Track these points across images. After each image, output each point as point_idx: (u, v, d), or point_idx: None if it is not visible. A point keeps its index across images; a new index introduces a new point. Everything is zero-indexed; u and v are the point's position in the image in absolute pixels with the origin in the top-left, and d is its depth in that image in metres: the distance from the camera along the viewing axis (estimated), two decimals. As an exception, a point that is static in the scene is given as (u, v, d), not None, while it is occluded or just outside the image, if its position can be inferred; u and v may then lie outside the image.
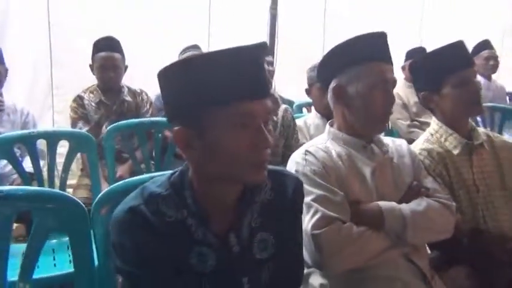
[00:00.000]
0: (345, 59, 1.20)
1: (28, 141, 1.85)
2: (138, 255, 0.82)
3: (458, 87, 1.39)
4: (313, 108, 2.36)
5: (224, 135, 0.80)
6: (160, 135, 2.16)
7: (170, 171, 0.92)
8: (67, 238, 1.11)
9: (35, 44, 2.96)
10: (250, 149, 0.80)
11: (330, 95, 1.25)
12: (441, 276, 1.26)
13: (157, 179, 0.91)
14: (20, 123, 2.33)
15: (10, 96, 2.45)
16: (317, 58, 1.29)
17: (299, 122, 2.22)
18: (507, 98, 3.70)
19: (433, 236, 1.21)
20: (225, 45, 0.82)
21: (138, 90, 2.52)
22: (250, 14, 3.39)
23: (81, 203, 1.09)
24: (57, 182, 2.00)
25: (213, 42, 3.32)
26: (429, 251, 1.38)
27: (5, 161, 2.03)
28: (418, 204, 1.18)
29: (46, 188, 1.73)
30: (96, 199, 1.06)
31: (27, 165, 1.94)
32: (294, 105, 2.93)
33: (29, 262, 1.08)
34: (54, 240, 1.66)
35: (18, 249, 1.30)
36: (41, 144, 1.99)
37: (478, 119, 2.80)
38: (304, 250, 1.05)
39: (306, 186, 1.09)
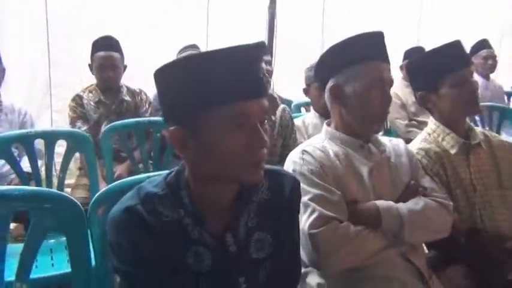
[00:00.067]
0: (342, 59, 1.20)
1: (26, 141, 1.85)
2: (135, 255, 0.82)
3: (455, 87, 1.39)
4: (311, 107, 2.36)
5: (220, 135, 0.80)
6: (158, 134, 2.16)
7: (166, 171, 0.92)
8: (65, 238, 1.10)
9: (32, 43, 2.96)
10: (246, 148, 0.80)
11: (327, 94, 1.25)
12: (438, 276, 1.26)
13: (153, 178, 0.91)
14: (17, 123, 2.33)
15: (8, 96, 2.44)
16: (315, 58, 1.29)
17: (297, 121, 2.22)
18: (505, 97, 3.70)
19: (431, 235, 1.22)
20: (224, 44, 0.81)
21: (137, 90, 2.52)
22: (249, 14, 3.39)
23: (78, 203, 1.09)
24: (55, 181, 1.99)
25: (211, 42, 3.32)
26: (426, 251, 1.39)
27: (2, 161, 2.02)
28: (415, 204, 1.18)
29: (43, 188, 1.73)
30: (93, 199, 1.06)
31: (25, 165, 1.94)
32: (293, 105, 2.93)
33: (26, 262, 1.07)
34: (52, 240, 1.66)
35: (16, 249, 1.30)
36: (39, 144, 1.99)
37: (477, 118, 2.80)
38: (301, 249, 1.04)
39: (303, 186, 1.09)
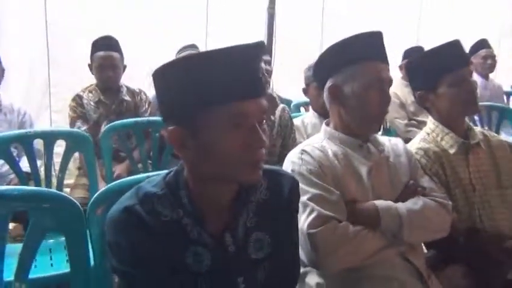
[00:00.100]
0: (340, 59, 1.20)
1: (25, 141, 1.85)
2: (134, 255, 0.82)
3: (454, 86, 1.39)
4: (310, 107, 2.36)
5: (218, 134, 0.80)
6: (157, 134, 2.16)
7: (165, 171, 0.92)
8: (64, 238, 1.10)
9: (32, 43, 2.96)
10: (245, 148, 0.80)
11: (325, 94, 1.25)
12: (437, 276, 1.26)
13: (152, 178, 0.91)
14: (17, 123, 2.33)
15: (7, 96, 2.45)
16: (315, 57, 1.29)
17: (296, 121, 2.22)
18: (504, 97, 3.70)
19: (430, 235, 1.22)
20: (223, 44, 0.82)
21: (137, 90, 2.52)
22: (248, 14, 3.40)
23: (77, 203, 1.09)
24: (54, 181, 1.99)
25: (210, 42, 3.32)
26: (425, 250, 1.39)
27: (1, 161, 2.02)
28: (414, 203, 1.18)
29: (41, 188, 1.73)
30: (92, 199, 1.06)
31: (25, 165, 1.94)
32: (292, 105, 2.93)
33: (25, 262, 1.07)
34: (51, 240, 1.66)
35: (15, 249, 1.30)
36: (38, 143, 1.99)
37: (476, 118, 2.81)
38: (300, 249, 1.05)
39: (302, 186, 1.09)
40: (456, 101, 1.41)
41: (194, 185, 0.87)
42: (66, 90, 2.82)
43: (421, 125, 2.90)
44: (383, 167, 1.24)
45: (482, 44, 3.40)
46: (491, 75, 3.53)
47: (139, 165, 2.19)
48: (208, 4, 3.38)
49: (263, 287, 0.90)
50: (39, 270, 1.48)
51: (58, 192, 1.16)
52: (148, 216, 0.83)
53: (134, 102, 2.49)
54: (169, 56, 2.32)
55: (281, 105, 2.14)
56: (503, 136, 2.85)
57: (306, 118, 2.28)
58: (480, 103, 2.64)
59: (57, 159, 1.99)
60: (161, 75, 0.85)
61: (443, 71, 1.40)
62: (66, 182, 2.10)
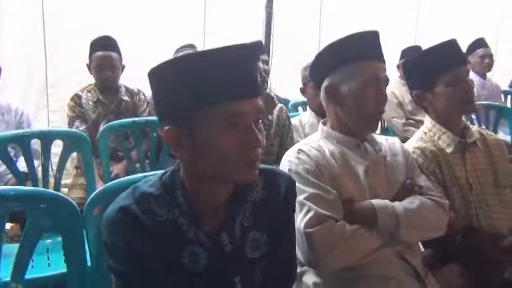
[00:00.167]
0: (337, 58, 1.20)
1: (22, 141, 1.84)
2: (130, 255, 0.82)
3: (451, 86, 1.40)
4: (308, 107, 2.36)
5: (214, 134, 0.80)
6: (155, 134, 2.16)
7: (162, 171, 0.92)
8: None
9: (29, 43, 2.95)
10: (241, 148, 0.80)
11: (322, 93, 1.26)
12: (435, 275, 1.26)
13: (148, 178, 0.91)
14: (14, 123, 2.33)
15: (4, 96, 2.45)
16: (312, 57, 1.29)
17: (294, 120, 2.22)
18: (502, 96, 3.71)
19: (426, 234, 1.22)
20: (221, 44, 0.82)
21: (136, 90, 2.52)
22: (246, 13, 3.39)
23: (74, 203, 1.09)
24: (51, 181, 1.99)
25: (208, 42, 3.32)
26: (423, 249, 1.39)
27: (-1, 161, 2.02)
28: (411, 202, 1.19)
29: (38, 188, 1.73)
30: (89, 199, 1.06)
31: (22, 165, 1.94)
32: (290, 104, 2.93)
33: (21, 262, 1.07)
34: (49, 240, 1.66)
35: (12, 250, 1.29)
36: (36, 144, 1.99)
37: (473, 117, 2.81)
38: (297, 248, 1.05)
39: (299, 185, 1.09)
40: (453, 100, 1.41)
41: (190, 184, 0.87)
42: (64, 90, 2.82)
43: (418, 124, 2.90)
44: (380, 166, 1.24)
45: (480, 43, 3.41)
46: (488, 75, 3.54)
47: (137, 165, 2.19)
48: (206, 3, 3.38)
49: (260, 287, 0.90)
50: (37, 270, 1.48)
51: (54, 192, 1.16)
52: (144, 216, 0.82)
53: (133, 102, 2.49)
54: (168, 55, 2.32)
55: (279, 105, 2.14)
56: (501, 135, 2.87)
57: (304, 117, 2.29)
58: (478, 102, 2.65)
59: (55, 159, 1.99)
60: (157, 75, 0.85)
61: (440, 70, 1.40)
62: (64, 181, 2.10)
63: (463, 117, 1.53)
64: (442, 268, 1.32)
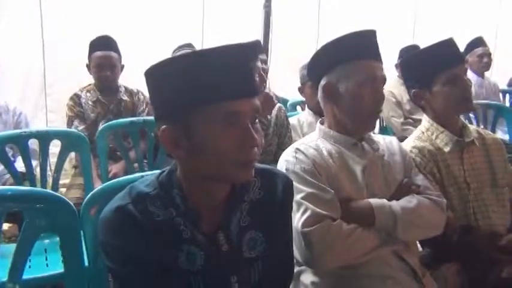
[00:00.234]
0: (334, 57, 1.20)
1: (19, 141, 1.84)
2: (126, 255, 0.82)
3: (448, 85, 1.40)
4: (306, 106, 2.36)
5: (211, 134, 0.80)
6: (153, 134, 2.15)
7: (159, 171, 0.92)
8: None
9: (27, 43, 2.94)
10: (237, 148, 0.80)
11: (320, 93, 1.26)
12: (432, 274, 1.26)
13: (145, 178, 0.91)
14: (12, 123, 2.33)
15: (3, 96, 2.44)
16: (311, 56, 1.29)
17: (292, 120, 2.22)
18: (500, 95, 3.71)
19: (424, 233, 1.22)
20: (219, 43, 0.82)
21: (135, 90, 2.52)
22: (244, 12, 3.39)
23: (71, 203, 1.08)
24: (50, 181, 1.99)
25: (207, 41, 3.32)
26: (420, 249, 1.39)
27: (-4, 161, 2.01)
28: (408, 201, 1.19)
29: (35, 188, 1.72)
30: (86, 199, 1.06)
31: (20, 165, 1.94)
32: (288, 104, 2.93)
33: (18, 262, 1.07)
34: (47, 241, 1.65)
35: (10, 250, 1.29)
36: (34, 144, 1.98)
37: (472, 115, 2.81)
38: (294, 248, 1.05)
39: (296, 184, 1.09)
40: (451, 99, 1.41)
41: (187, 184, 0.86)
42: (62, 90, 2.82)
43: (417, 123, 2.89)
44: (377, 165, 1.24)
45: (478, 42, 3.40)
46: (487, 74, 3.54)
47: (135, 165, 2.18)
48: (204, 3, 3.38)
49: (257, 286, 0.90)
50: (34, 270, 1.47)
51: (51, 192, 1.16)
52: (141, 216, 0.82)
53: (132, 102, 2.49)
54: (166, 55, 2.31)
55: (277, 105, 2.13)
56: (499, 134, 2.87)
57: (302, 117, 2.29)
58: (476, 101, 2.66)
59: (53, 159, 1.99)
60: (154, 74, 0.85)
61: (437, 69, 1.40)
62: (62, 181, 2.09)
63: (461, 117, 1.53)
64: (440, 267, 1.32)
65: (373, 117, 1.23)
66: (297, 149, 1.20)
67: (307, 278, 1.18)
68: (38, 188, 1.74)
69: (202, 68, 0.79)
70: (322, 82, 1.23)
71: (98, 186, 1.47)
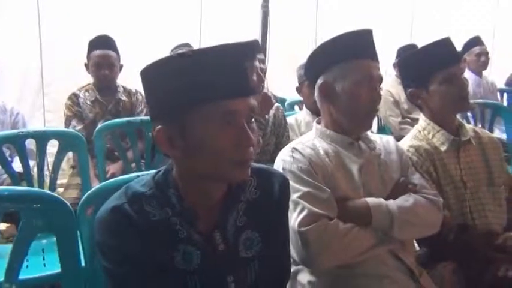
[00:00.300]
0: (330, 57, 1.20)
1: (17, 141, 1.84)
2: (122, 255, 0.82)
3: (445, 84, 1.40)
4: (304, 105, 2.36)
5: (206, 133, 0.80)
6: (150, 134, 2.15)
7: (154, 170, 0.92)
8: (56, 238, 1.10)
9: (25, 42, 2.94)
10: (233, 147, 0.80)
11: (316, 92, 1.26)
12: (429, 273, 1.26)
13: (141, 178, 0.91)
14: (9, 123, 2.33)
15: (0, 96, 2.44)
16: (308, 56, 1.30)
17: (290, 119, 2.22)
18: (498, 94, 3.71)
19: (420, 232, 1.22)
20: (217, 43, 0.82)
21: (134, 90, 2.51)
22: (242, 12, 3.39)
23: (67, 203, 1.08)
24: (47, 181, 1.99)
25: (204, 41, 3.31)
26: (417, 248, 1.39)
27: (-6, 161, 2.01)
28: (405, 200, 1.19)
29: (31, 188, 1.72)
30: (82, 199, 1.06)
31: (17, 165, 1.93)
32: (286, 103, 2.93)
33: (15, 263, 1.07)
34: (44, 241, 1.65)
35: (7, 250, 1.29)
36: (32, 144, 1.98)
37: (469, 114, 2.82)
38: (291, 247, 1.05)
39: (293, 184, 1.09)
40: (447, 98, 1.41)
41: (183, 184, 0.86)
42: (59, 89, 2.81)
43: (415, 122, 2.87)
44: (374, 164, 1.24)
45: (476, 41, 3.41)
46: (484, 73, 3.54)
47: (133, 165, 2.18)
48: (202, 3, 3.38)
49: (253, 286, 0.90)
50: (32, 270, 1.47)
51: (48, 192, 1.16)
52: (137, 216, 0.82)
53: (131, 102, 2.48)
54: (164, 55, 2.31)
55: (275, 104, 2.14)
56: (497, 133, 2.88)
57: (300, 116, 2.29)
58: (474, 100, 2.66)
59: (51, 159, 1.98)
60: (149, 74, 0.84)
61: (434, 68, 1.40)
62: (60, 181, 2.09)
63: (459, 116, 1.53)
64: (436, 266, 1.32)
65: (369, 117, 1.23)
66: (294, 148, 1.20)
67: (304, 277, 1.18)
68: (35, 188, 1.74)
69: (198, 67, 0.79)
70: (319, 81, 1.23)
71: (96, 186, 1.47)
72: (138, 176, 0.98)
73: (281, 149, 1.28)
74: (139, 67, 0.87)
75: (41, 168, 1.90)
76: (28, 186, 1.83)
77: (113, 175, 2.15)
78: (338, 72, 1.19)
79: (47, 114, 3.05)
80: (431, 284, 1.23)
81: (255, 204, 0.92)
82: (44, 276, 1.45)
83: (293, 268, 1.15)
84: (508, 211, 1.45)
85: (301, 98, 2.46)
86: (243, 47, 0.84)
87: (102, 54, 2.33)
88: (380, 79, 1.21)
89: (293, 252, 1.09)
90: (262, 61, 2.66)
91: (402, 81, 1.56)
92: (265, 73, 2.49)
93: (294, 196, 1.09)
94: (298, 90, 2.27)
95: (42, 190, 1.32)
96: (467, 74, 3.23)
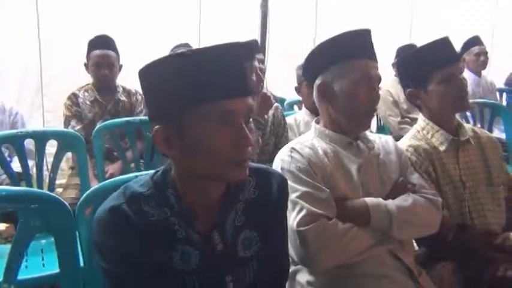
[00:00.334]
0: (328, 57, 1.20)
1: (16, 141, 1.83)
2: (121, 255, 0.81)
3: (443, 83, 1.40)
4: (303, 105, 2.36)
5: (204, 133, 0.80)
6: (149, 134, 2.15)
7: (153, 170, 0.92)
8: (55, 238, 1.10)
9: (24, 43, 2.94)
10: (231, 147, 0.80)
11: (315, 92, 1.26)
12: (428, 273, 1.26)
13: (139, 178, 0.91)
14: (8, 123, 2.33)
15: (-1, 96, 2.44)
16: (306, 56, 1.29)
17: (289, 119, 2.22)
18: (497, 94, 3.72)
19: (419, 232, 1.22)
20: (216, 43, 0.81)
21: (133, 91, 2.51)
22: (241, 12, 3.39)
23: (66, 203, 1.08)
24: (47, 181, 1.98)
25: (204, 41, 3.31)
26: (416, 247, 1.39)
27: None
28: (404, 200, 1.19)
29: (29, 188, 1.72)
30: (81, 199, 1.06)
31: (16, 165, 1.93)
32: (285, 103, 2.93)
33: (13, 263, 1.07)
34: (44, 241, 1.65)
35: (6, 250, 1.29)
36: (31, 144, 1.98)
37: (468, 114, 2.82)
38: (290, 247, 1.05)
39: (292, 183, 1.09)
40: (446, 98, 1.41)
41: (181, 184, 0.86)
42: (59, 90, 2.81)
43: (414, 122, 2.85)
44: (373, 164, 1.24)
45: (475, 41, 3.41)
46: (483, 72, 3.54)
47: (132, 165, 2.18)
48: (201, 3, 3.38)
49: (252, 285, 0.90)
50: (31, 270, 1.47)
51: (46, 192, 1.16)
52: (135, 216, 0.82)
53: (130, 102, 2.48)
54: (163, 55, 2.31)
55: (274, 104, 2.13)
56: (496, 133, 2.87)
57: (299, 116, 2.29)
58: (473, 100, 2.65)
59: (50, 159, 1.98)
60: (147, 74, 0.84)
61: (432, 68, 1.40)
62: (59, 181, 2.09)
63: (458, 115, 1.53)
64: (436, 266, 1.32)
65: (368, 116, 1.23)
66: (293, 148, 1.20)
67: (303, 277, 1.18)
68: (32, 188, 1.73)
69: (196, 67, 0.79)
70: (317, 81, 1.23)
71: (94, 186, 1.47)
72: (136, 176, 0.98)
73: (280, 149, 1.28)
74: (138, 67, 0.87)
75: (40, 168, 1.90)
76: (27, 186, 1.83)
77: (112, 175, 2.15)
78: (336, 72, 1.19)
79: (46, 114, 3.05)
80: (430, 283, 1.23)
81: (253, 204, 0.92)
82: (43, 276, 1.45)
83: (292, 268, 1.15)
84: (507, 211, 1.45)
85: (300, 98, 2.46)
86: (241, 47, 0.84)
87: (102, 54, 2.33)
88: (378, 79, 1.21)
89: (292, 252, 1.09)
90: (262, 61, 2.66)
91: (401, 81, 1.56)
92: (264, 73, 2.49)
93: (292, 196, 1.09)
94: (297, 90, 2.27)
95: (39, 190, 1.32)
96: (467, 74, 3.23)
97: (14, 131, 2.05)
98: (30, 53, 2.96)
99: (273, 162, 1.24)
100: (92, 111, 2.38)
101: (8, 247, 1.15)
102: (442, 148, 1.43)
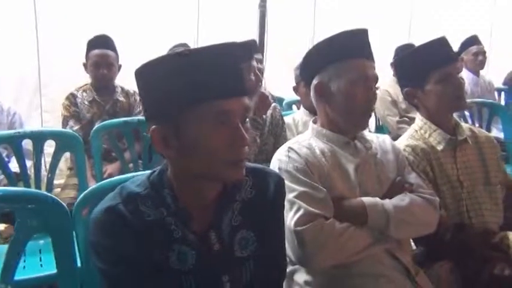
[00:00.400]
0: (326, 57, 1.20)
1: (13, 142, 1.83)
2: (117, 255, 0.82)
3: (441, 83, 1.40)
4: (301, 105, 2.36)
5: (201, 133, 0.80)
6: (145, 134, 2.15)
7: (149, 171, 0.92)
8: (52, 238, 1.10)
9: (22, 43, 2.93)
10: (227, 147, 0.80)
11: (312, 92, 1.26)
12: (425, 272, 1.26)
13: (136, 178, 0.91)
14: (6, 123, 2.33)
15: (-3, 97, 2.44)
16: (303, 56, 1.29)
17: (287, 119, 2.22)
18: (495, 93, 3.72)
19: (416, 231, 1.22)
20: (214, 43, 0.81)
21: (132, 91, 2.51)
22: (240, 12, 3.39)
23: (63, 203, 1.08)
24: (45, 182, 1.98)
25: (201, 41, 3.31)
26: (414, 247, 1.39)
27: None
28: (401, 200, 1.19)
29: (26, 188, 1.72)
30: (78, 199, 1.06)
31: (14, 165, 1.93)
32: (284, 103, 2.93)
33: (11, 263, 1.07)
34: (41, 241, 1.65)
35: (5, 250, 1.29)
36: (29, 144, 1.98)
37: (467, 113, 2.82)
38: (287, 247, 1.05)
39: (289, 183, 1.09)
40: (443, 97, 1.41)
41: (178, 184, 0.86)
42: (57, 90, 2.80)
43: (412, 121, 2.85)
44: (370, 164, 1.24)
45: (473, 40, 3.41)
46: (482, 72, 3.55)
47: (130, 165, 2.18)
48: (200, 3, 3.37)
49: (249, 285, 0.90)
50: (29, 271, 1.47)
51: (43, 192, 1.16)
52: (132, 216, 0.82)
53: (128, 103, 2.48)
54: (161, 55, 2.31)
55: (273, 104, 2.13)
56: (494, 132, 2.87)
57: (297, 116, 2.29)
58: (471, 99, 2.66)
59: (48, 159, 1.98)
60: (144, 74, 0.84)
61: (430, 67, 1.40)
62: (57, 182, 2.09)
63: (456, 115, 1.53)
64: (433, 265, 1.32)
65: (365, 116, 1.23)
66: (290, 148, 1.20)
67: (301, 277, 1.18)
68: (29, 189, 1.73)
69: (193, 67, 0.79)
70: (314, 81, 1.23)
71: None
72: (133, 177, 0.97)
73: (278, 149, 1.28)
74: (136, 67, 0.86)
75: (38, 168, 1.90)
76: (25, 186, 1.83)
77: (110, 175, 2.15)
78: (333, 71, 1.19)
79: (44, 115, 3.05)
80: (428, 283, 1.23)
81: (250, 204, 0.92)
82: (40, 276, 1.45)
83: (289, 268, 1.15)
84: (504, 210, 1.45)
85: (298, 98, 2.47)
86: (238, 47, 0.85)
87: (101, 53, 2.33)
88: (375, 78, 1.21)
89: (289, 252, 1.09)
90: (260, 61, 2.66)
91: (399, 81, 1.56)
92: (262, 73, 2.49)
93: (290, 196, 1.09)
94: (296, 90, 2.28)
95: (36, 190, 1.31)
96: (465, 73, 3.23)
97: (12, 131, 2.05)
98: (28, 53, 2.95)
99: (270, 162, 1.24)
100: (90, 112, 2.38)
101: (6, 247, 1.15)
102: (439, 148, 1.43)
